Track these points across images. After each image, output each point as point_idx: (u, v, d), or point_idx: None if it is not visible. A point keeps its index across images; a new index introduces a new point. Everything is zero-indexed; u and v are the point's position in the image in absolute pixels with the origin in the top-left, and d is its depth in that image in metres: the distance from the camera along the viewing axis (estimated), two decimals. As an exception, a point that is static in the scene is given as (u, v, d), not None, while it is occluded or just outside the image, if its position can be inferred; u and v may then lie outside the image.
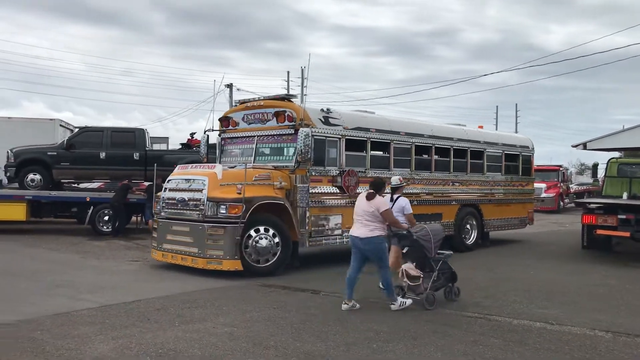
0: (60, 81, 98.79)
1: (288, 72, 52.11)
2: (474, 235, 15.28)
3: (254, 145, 11.98)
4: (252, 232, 10.39)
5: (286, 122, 11.29)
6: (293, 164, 11.10)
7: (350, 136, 12.15)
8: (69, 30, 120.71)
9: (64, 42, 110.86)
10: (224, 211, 10.14)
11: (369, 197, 8.02)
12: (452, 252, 8.95)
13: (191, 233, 10.48)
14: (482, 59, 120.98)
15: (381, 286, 8.35)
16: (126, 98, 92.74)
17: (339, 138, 11.88)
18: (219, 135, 12.86)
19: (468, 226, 15.07)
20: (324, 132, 11.61)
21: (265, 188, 10.78)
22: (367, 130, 12.56)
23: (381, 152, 13.31)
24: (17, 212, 16.55)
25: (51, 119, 22.27)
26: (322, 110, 11.78)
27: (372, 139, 12.64)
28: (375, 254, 8.02)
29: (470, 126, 16.30)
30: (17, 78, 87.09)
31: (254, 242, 10.37)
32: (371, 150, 12.82)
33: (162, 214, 11.25)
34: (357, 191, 11.60)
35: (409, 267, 8.37)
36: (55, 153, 17.33)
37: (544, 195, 30.11)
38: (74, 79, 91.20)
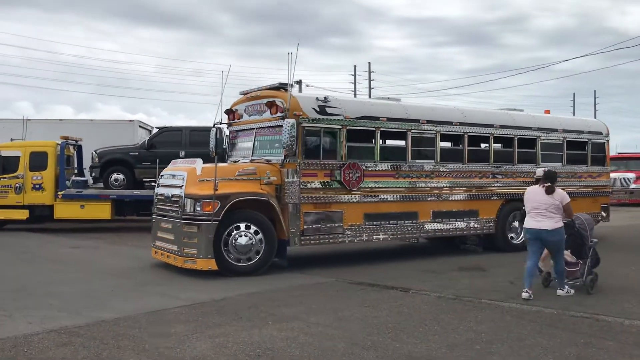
0: (134, 83, 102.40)
1: (355, 67, 52.06)
2: (522, 233, 12.62)
3: (253, 138, 11.50)
4: (234, 230, 9.94)
5: (278, 113, 10.63)
6: (282, 158, 10.48)
7: (354, 126, 11.22)
8: (140, 34, 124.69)
9: (136, 46, 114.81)
10: (199, 208, 9.77)
11: (549, 191, 8.43)
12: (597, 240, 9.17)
13: (173, 230, 10.21)
14: (555, 45, 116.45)
15: (549, 273, 8.93)
16: (197, 98, 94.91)
17: (339, 129, 10.98)
18: (227, 128, 12.51)
19: (516, 223, 13.17)
20: (319, 122, 10.79)
21: (250, 183, 10.28)
22: (375, 119, 11.50)
23: (399, 143, 12.30)
24: (103, 211, 17.11)
25: (130, 120, 22.92)
26: (317, 99, 10.92)
27: (382, 129, 11.57)
28: (558, 245, 8.45)
29: (537, 113, 15.15)
30: (92, 81, 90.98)
31: (233, 241, 9.91)
32: (384, 140, 12.13)
33: (155, 209, 11.08)
34: (363, 186, 11.13)
35: (566, 254, 8.71)
36: (137, 153, 17.82)
37: (633, 186, 27.44)
38: (146, 80, 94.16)
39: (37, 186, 17.32)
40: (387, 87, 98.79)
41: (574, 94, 70.54)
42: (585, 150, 14.91)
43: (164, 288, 8.95)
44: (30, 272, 10.32)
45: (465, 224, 12.57)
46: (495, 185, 13.14)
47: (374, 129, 11.48)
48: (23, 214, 17.22)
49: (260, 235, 10.04)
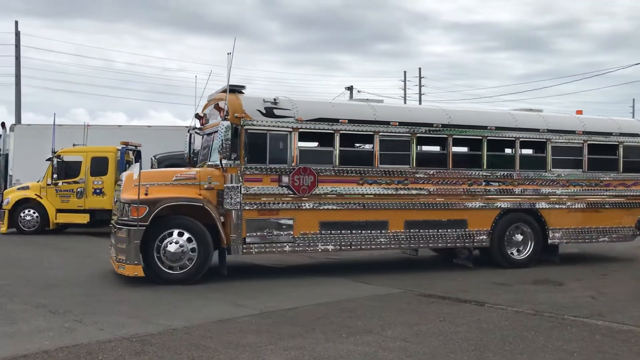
0: (184, 90, 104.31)
1: (405, 72, 51.44)
2: (529, 248, 11.83)
3: (210, 143, 10.92)
4: (167, 236, 9.54)
5: (222, 116, 10.10)
6: (224, 162, 9.91)
7: (307, 129, 10.43)
8: (190, 42, 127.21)
9: (186, 54, 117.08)
10: (128, 213, 9.42)
11: None
12: None
13: (113, 235, 10.00)
14: (611, 50, 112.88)
15: None
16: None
17: (289, 131, 10.25)
18: (197, 133, 11.92)
19: (518, 236, 11.75)
20: (264, 125, 10.11)
21: (187, 188, 9.88)
22: (333, 121, 10.57)
23: (366, 146, 11.26)
24: None
25: (186, 126, 23.12)
26: (264, 100, 10.25)
27: (343, 132, 10.64)
28: None
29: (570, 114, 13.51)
30: (144, 89, 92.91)
31: (163, 248, 9.49)
32: (348, 144, 11.13)
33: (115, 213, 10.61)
34: (318, 192, 10.29)
35: None
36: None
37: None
38: (195, 87, 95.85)
39: (98, 191, 17.54)
40: (437, 93, 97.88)
41: (633, 99, 68.12)
42: (616, 154, 12.78)
43: (230, 296, 8.76)
44: (95, 277, 10.32)
45: (449, 236, 11.20)
46: (490, 193, 11.59)
47: (332, 131, 10.58)
48: (84, 218, 17.48)
49: (193, 243, 9.59)
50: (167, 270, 9.51)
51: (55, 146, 17.94)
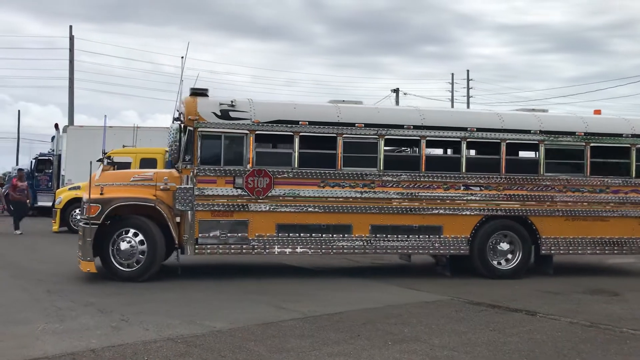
0: (229, 93, 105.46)
1: (452, 75, 50.64)
2: (517, 257, 10.87)
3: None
4: (122, 234, 9.76)
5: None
6: (178, 164, 10.23)
7: (264, 131, 10.31)
8: (236, 45, 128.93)
9: (232, 57, 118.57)
10: (85, 212, 9.72)
11: None
12: None
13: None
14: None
15: None
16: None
17: (245, 134, 10.17)
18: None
19: (504, 245, 10.84)
20: (219, 127, 10.09)
21: (143, 189, 10.07)
22: (294, 123, 10.38)
23: (330, 149, 10.63)
24: None
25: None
26: (220, 103, 10.24)
27: (303, 133, 10.41)
28: None
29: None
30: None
31: (116, 245, 9.70)
32: (310, 146, 10.72)
33: None
34: (275, 194, 10.14)
35: None
36: None
37: None
38: (241, 90, 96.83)
39: (146, 191, 17.81)
40: (485, 96, 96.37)
41: (694, 103, 65.32)
42: (626, 158, 11.41)
43: (274, 298, 8.69)
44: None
45: (421, 242, 10.60)
46: (470, 198, 10.78)
47: (291, 133, 10.38)
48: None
49: (145, 242, 9.76)
50: (120, 267, 9.75)
51: (105, 147, 18.29)
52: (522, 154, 11.89)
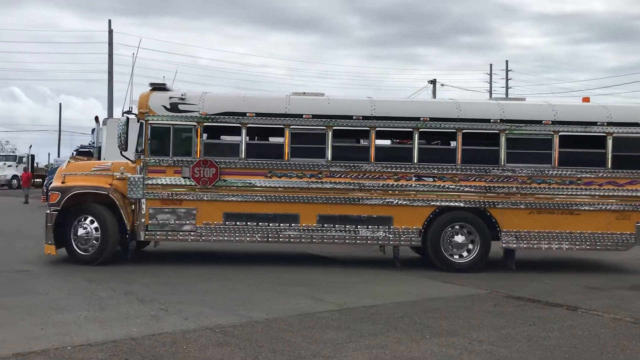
0: (265, 86, 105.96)
1: (490, 66, 49.66)
2: (475, 251, 10.51)
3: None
4: (82, 221, 10.40)
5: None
6: (134, 154, 10.74)
7: (212, 122, 10.59)
8: (272, 38, 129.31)
9: (267, 50, 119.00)
10: (50, 199, 10.66)
11: None
12: None
13: None
14: None
15: None
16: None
17: (194, 125, 10.52)
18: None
19: (459, 238, 10.52)
20: (168, 119, 10.52)
21: (100, 178, 10.75)
22: (241, 115, 10.57)
23: (278, 139, 10.83)
24: None
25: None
26: (170, 97, 10.60)
27: (250, 125, 10.62)
28: None
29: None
30: (227, 84, 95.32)
31: (74, 231, 10.35)
32: (258, 137, 11.17)
33: None
34: (221, 184, 10.44)
35: None
36: None
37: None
38: (276, 82, 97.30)
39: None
40: (524, 87, 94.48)
41: None
42: (604, 147, 10.64)
43: (310, 289, 8.73)
44: (179, 267, 10.57)
45: (370, 233, 10.52)
46: (421, 189, 10.52)
47: (239, 125, 10.60)
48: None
49: (98, 228, 10.36)
50: (79, 252, 10.40)
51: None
52: (486, 144, 11.04)
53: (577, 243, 10.64)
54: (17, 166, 40.40)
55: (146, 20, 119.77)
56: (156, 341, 5.90)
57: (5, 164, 39.24)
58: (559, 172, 10.60)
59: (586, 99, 11.72)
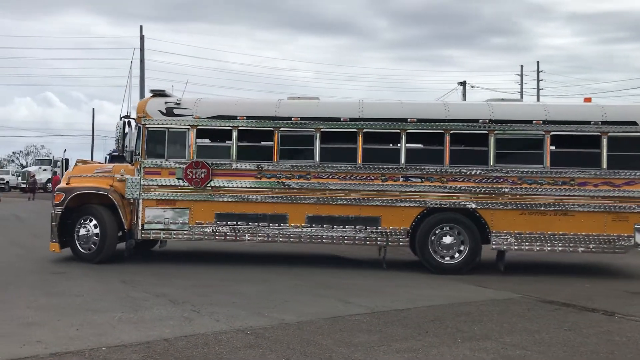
0: (294, 89, 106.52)
1: (521, 67, 49.04)
2: (464, 251, 10.47)
3: None
4: (84, 221, 10.99)
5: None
6: (133, 157, 11.26)
7: (204, 126, 11.07)
8: (301, 41, 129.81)
9: (296, 53, 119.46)
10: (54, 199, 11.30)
11: None
12: None
13: None
14: None
15: None
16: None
17: (187, 129, 11.02)
18: None
19: (447, 239, 10.51)
20: (164, 124, 11.03)
21: (102, 180, 11.33)
22: (231, 118, 10.99)
23: (268, 142, 11.04)
24: None
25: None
26: (166, 102, 11.15)
27: (241, 128, 10.96)
28: None
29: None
30: (257, 88, 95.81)
31: (77, 231, 10.96)
32: (249, 140, 11.26)
33: None
34: (213, 185, 10.84)
35: None
36: None
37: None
38: (305, 86, 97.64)
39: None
40: (556, 88, 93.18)
41: None
42: (598, 147, 10.41)
43: (340, 292, 8.73)
44: (211, 269, 10.65)
45: (358, 233, 10.65)
46: (409, 190, 10.58)
47: (230, 128, 11.00)
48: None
49: (97, 227, 10.91)
50: (81, 250, 11.01)
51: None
52: (475, 144, 10.99)
53: (571, 245, 10.45)
54: (52, 170, 41.35)
55: (177, 26, 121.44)
56: (188, 342, 5.96)
57: (40, 167, 40.21)
58: (551, 173, 10.48)
59: (588, 100, 11.44)
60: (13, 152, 70.72)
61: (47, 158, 48.32)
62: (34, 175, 36.36)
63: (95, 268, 10.45)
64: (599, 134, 10.48)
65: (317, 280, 9.73)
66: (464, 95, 36.68)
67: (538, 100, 40.02)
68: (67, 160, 40.40)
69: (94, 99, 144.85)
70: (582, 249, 10.43)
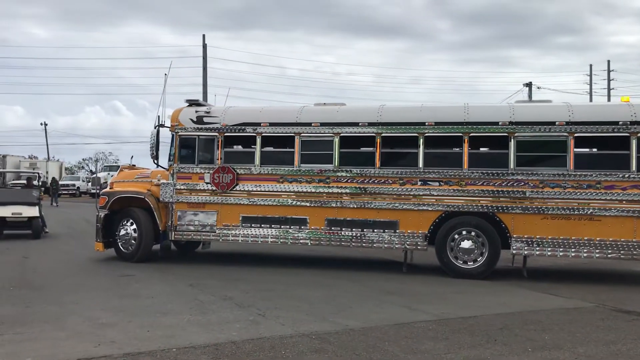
0: (351, 93, 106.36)
1: (590, 66, 47.49)
2: (484, 256, 10.28)
3: None
4: (124, 223, 11.79)
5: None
6: (168, 163, 11.87)
7: (232, 133, 11.61)
8: (359, 45, 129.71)
9: (355, 58, 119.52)
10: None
11: None
12: None
13: None
14: None
15: None
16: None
17: (215, 136, 11.59)
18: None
19: (466, 243, 10.35)
20: (195, 131, 11.68)
21: (142, 184, 12.11)
22: (256, 125, 11.46)
23: (289, 148, 11.31)
24: None
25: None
26: (196, 111, 11.81)
27: (265, 134, 11.40)
28: None
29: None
30: (315, 93, 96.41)
31: (118, 231, 11.80)
32: (272, 145, 11.78)
33: None
34: (239, 189, 11.34)
35: None
36: None
37: None
38: (364, 90, 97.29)
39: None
40: (629, 88, 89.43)
41: None
42: (628, 148, 9.90)
43: (405, 299, 8.65)
44: (270, 273, 10.78)
45: (377, 237, 10.70)
46: (427, 193, 10.53)
47: (254, 134, 11.45)
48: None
49: (135, 227, 11.71)
50: (123, 250, 11.81)
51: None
52: (494, 147, 10.84)
53: (597, 251, 10.00)
54: (120, 176, 42.84)
55: (238, 34, 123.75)
56: (255, 345, 6.05)
57: (109, 174, 41.66)
58: (575, 176, 10.11)
59: (625, 99, 10.73)
60: (83, 159, 73.43)
61: (115, 164, 50.10)
62: (105, 182, 37.83)
63: (161, 270, 10.84)
64: (628, 134, 9.98)
65: (378, 285, 9.69)
66: (529, 96, 35.76)
67: (609, 100, 38.59)
68: (133, 166, 41.99)
69: (158, 106, 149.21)
70: (611, 255, 9.96)
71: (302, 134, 11.27)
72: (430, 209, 10.59)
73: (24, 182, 18.69)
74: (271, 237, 11.23)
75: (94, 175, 42.41)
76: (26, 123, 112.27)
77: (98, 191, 14.57)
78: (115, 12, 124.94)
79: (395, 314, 7.68)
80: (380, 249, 10.97)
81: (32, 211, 16.44)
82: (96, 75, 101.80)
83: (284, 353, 5.82)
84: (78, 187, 43.38)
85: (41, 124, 63.23)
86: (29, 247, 14.32)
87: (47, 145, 61.31)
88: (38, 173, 20.98)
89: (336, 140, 11.10)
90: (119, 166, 45.34)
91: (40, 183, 20.09)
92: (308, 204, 11.10)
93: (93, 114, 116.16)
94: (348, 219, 10.94)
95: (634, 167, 9.92)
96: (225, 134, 11.60)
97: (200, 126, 11.70)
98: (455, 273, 10.46)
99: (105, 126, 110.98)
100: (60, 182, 41.74)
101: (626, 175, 9.94)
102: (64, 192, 40.38)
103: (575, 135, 10.15)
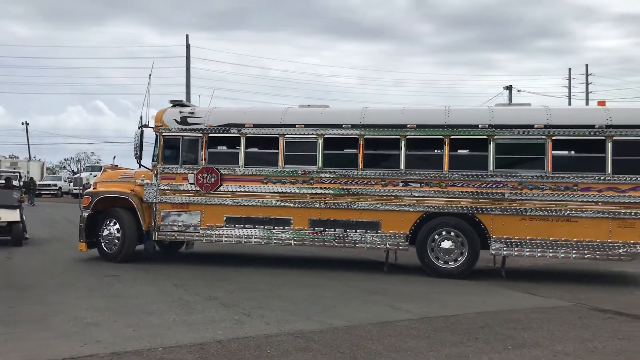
0: (334, 95, 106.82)
1: (569, 70, 48.02)
2: (464, 256, 10.45)
3: None
4: (108, 223, 11.76)
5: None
6: (152, 163, 11.89)
7: (216, 134, 11.64)
8: (342, 47, 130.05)
9: (338, 59, 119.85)
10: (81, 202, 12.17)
11: None
12: None
13: None
14: None
15: None
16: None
17: (199, 137, 11.60)
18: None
19: (446, 243, 10.51)
20: (178, 132, 11.69)
21: (125, 184, 12.11)
22: (240, 126, 11.50)
23: (273, 149, 11.40)
24: None
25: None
26: (180, 111, 11.80)
27: (249, 135, 11.44)
28: None
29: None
30: (298, 94, 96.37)
31: (101, 232, 11.76)
32: (256, 146, 11.86)
33: None
34: (223, 190, 11.34)
35: None
36: None
37: None
38: (348, 92, 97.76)
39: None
40: (606, 92, 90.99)
41: None
42: (603, 151, 10.09)
43: (388, 298, 8.77)
44: (256, 273, 10.86)
45: (360, 237, 10.84)
46: (408, 194, 10.68)
47: (239, 135, 11.48)
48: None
49: (118, 227, 11.69)
50: (105, 250, 11.81)
51: None
52: (474, 149, 11.00)
53: (574, 251, 10.21)
54: (102, 176, 42.50)
55: (222, 35, 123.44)
56: (241, 344, 6.12)
57: (91, 174, 41.34)
58: (553, 178, 10.28)
59: (601, 103, 10.98)
60: (64, 159, 72.78)
61: (97, 165, 49.72)
62: (87, 182, 37.55)
63: (145, 270, 10.86)
64: (604, 137, 10.19)
65: (362, 285, 9.80)
66: (509, 99, 36.17)
67: (587, 104, 39.14)
68: (116, 166, 41.62)
69: (141, 106, 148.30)
70: (587, 256, 10.17)
71: (286, 135, 11.34)
72: (411, 209, 10.73)
73: (3, 181, 16.80)
74: (255, 238, 11.27)
75: (76, 176, 42.11)
76: (7, 122, 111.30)
77: (81, 191, 14.46)
78: (99, 11, 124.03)
79: (378, 313, 7.79)
80: (363, 249, 11.07)
81: (12, 215, 14.58)
82: (79, 75, 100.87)
83: (269, 352, 5.90)
84: (60, 187, 42.98)
85: (22, 123, 62.44)
86: (10, 248, 14.18)
87: (29, 144, 60.74)
88: (19, 172, 19.44)
89: (320, 141, 11.20)
90: (101, 166, 44.99)
91: (21, 183, 18.09)
92: (292, 205, 11.15)
93: (75, 114, 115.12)
94: (331, 219, 11.03)
95: (609, 169, 10.11)
96: (210, 135, 11.64)
97: (184, 127, 11.72)
98: (436, 273, 10.60)
99: (88, 126, 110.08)
100: (42, 182, 41.31)
101: (602, 178, 10.13)
102: (45, 192, 39.98)
103: (553, 138, 10.35)
